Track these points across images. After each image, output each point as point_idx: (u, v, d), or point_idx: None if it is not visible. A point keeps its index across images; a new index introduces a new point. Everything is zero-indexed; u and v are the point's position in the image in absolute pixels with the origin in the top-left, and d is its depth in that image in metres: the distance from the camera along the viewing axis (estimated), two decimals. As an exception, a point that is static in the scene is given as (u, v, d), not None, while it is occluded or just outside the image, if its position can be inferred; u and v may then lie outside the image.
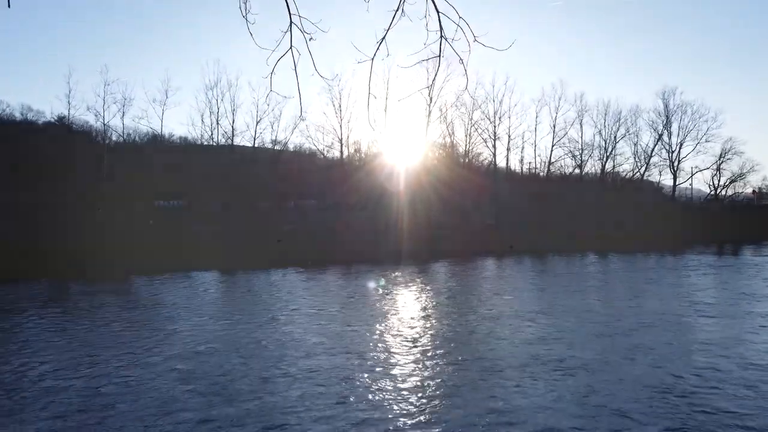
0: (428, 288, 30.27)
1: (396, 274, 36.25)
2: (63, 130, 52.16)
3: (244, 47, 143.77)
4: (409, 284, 31.45)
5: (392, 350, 16.34)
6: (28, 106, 50.03)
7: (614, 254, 50.96)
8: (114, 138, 54.56)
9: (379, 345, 16.96)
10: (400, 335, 18.31)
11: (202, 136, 53.35)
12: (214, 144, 52.28)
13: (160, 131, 52.21)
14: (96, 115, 49.16)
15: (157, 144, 55.63)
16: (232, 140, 52.26)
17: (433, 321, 20.93)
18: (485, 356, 15.73)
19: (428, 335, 18.44)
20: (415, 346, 16.82)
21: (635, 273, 37.61)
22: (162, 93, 52.24)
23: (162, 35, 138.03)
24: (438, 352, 16.25)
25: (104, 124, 49.06)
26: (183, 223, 48.58)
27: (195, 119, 53.90)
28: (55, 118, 52.20)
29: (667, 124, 71.76)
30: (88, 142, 51.71)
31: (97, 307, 23.96)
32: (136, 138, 55.80)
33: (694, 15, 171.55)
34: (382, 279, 35.48)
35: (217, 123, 52.03)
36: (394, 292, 28.59)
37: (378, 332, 18.77)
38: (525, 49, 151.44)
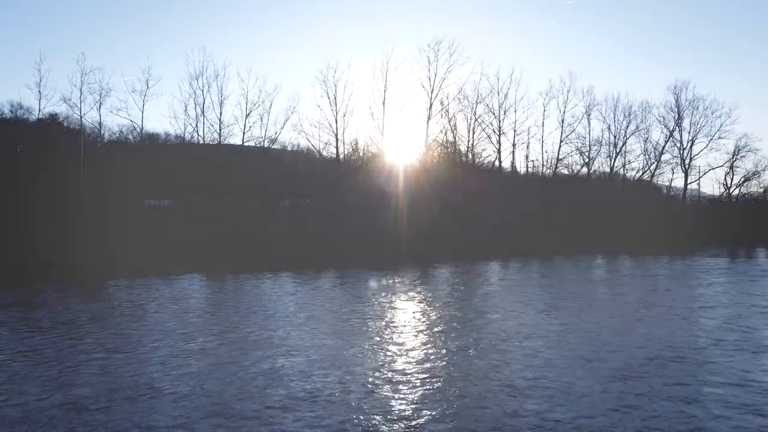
0: (407, 304, 25.14)
1: (383, 282, 31.36)
2: (54, 128, 48.01)
3: (232, 34, 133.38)
4: (389, 297, 26.35)
5: (307, 403, 11.29)
6: (18, 102, 45.16)
7: (623, 258, 45.41)
8: (107, 136, 50.29)
9: (296, 395, 11.90)
10: (340, 378, 13.25)
11: (185, 128, 47.89)
12: (201, 138, 46.96)
13: (140, 124, 46.62)
14: (71, 107, 44.11)
15: (150, 141, 51.17)
16: (220, 134, 46.81)
17: (389, 356, 15.80)
18: (433, 418, 10.63)
19: (369, 384, 13.32)
20: (345, 401, 11.75)
21: (645, 281, 32.04)
22: (142, 83, 46.24)
23: (142, 20, 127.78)
24: (372, 416, 11.15)
25: (81, 117, 44.10)
26: (173, 223, 44.21)
27: (178, 111, 47.22)
28: (47, 115, 47.86)
29: (679, 120, 65.41)
30: (75, 141, 47.09)
31: (33, 320, 19.34)
32: (130, 136, 51.25)
33: (708, 5, 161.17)
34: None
35: (203, 115, 46.46)
36: (370, 307, 23.52)
37: (312, 372, 13.72)
38: (532, 40, 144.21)
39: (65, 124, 48.25)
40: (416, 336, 17.94)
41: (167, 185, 46.47)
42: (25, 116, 47.83)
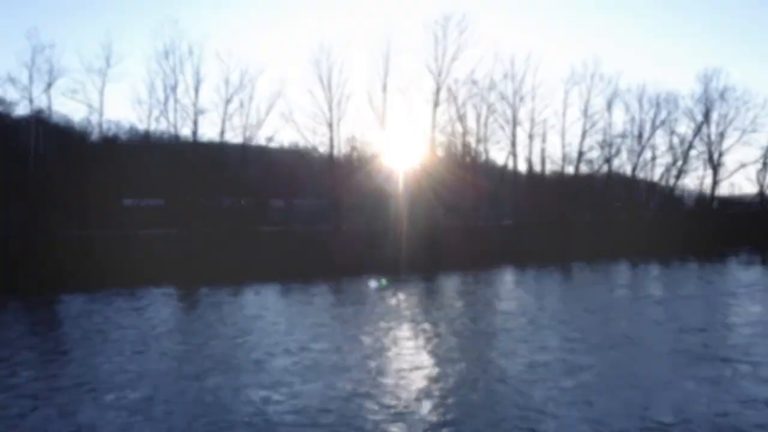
0: (380, 334, 17.89)
1: (368, 293, 24.56)
2: (42, 124, 41.83)
3: (209, 9, 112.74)
4: (375, 333, 19.10)
5: None
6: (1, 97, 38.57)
7: (649, 267, 37.40)
8: (96, 134, 43.77)
9: None
10: None
11: (150, 113, 38.86)
12: (172, 126, 39.03)
13: (99, 107, 37.83)
14: (22, 90, 36.39)
15: (139, 138, 44.69)
16: (195, 122, 38.86)
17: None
18: None
19: None
20: None
21: (684, 309, 23.85)
22: (101, 60, 37.13)
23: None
24: None
25: (30, 101, 36.59)
26: (154, 225, 37.88)
27: (143, 94, 37.58)
28: (34, 112, 41.60)
29: (707, 113, 55.90)
30: (64, 141, 40.76)
31: None
32: (120, 134, 44.72)
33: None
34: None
35: (174, 98, 37.67)
36: (338, 333, 16.31)
37: None
38: (550, 23, 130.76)
39: (50, 120, 41.99)
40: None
41: (152, 184, 39.98)
42: (5, 112, 41.67)
